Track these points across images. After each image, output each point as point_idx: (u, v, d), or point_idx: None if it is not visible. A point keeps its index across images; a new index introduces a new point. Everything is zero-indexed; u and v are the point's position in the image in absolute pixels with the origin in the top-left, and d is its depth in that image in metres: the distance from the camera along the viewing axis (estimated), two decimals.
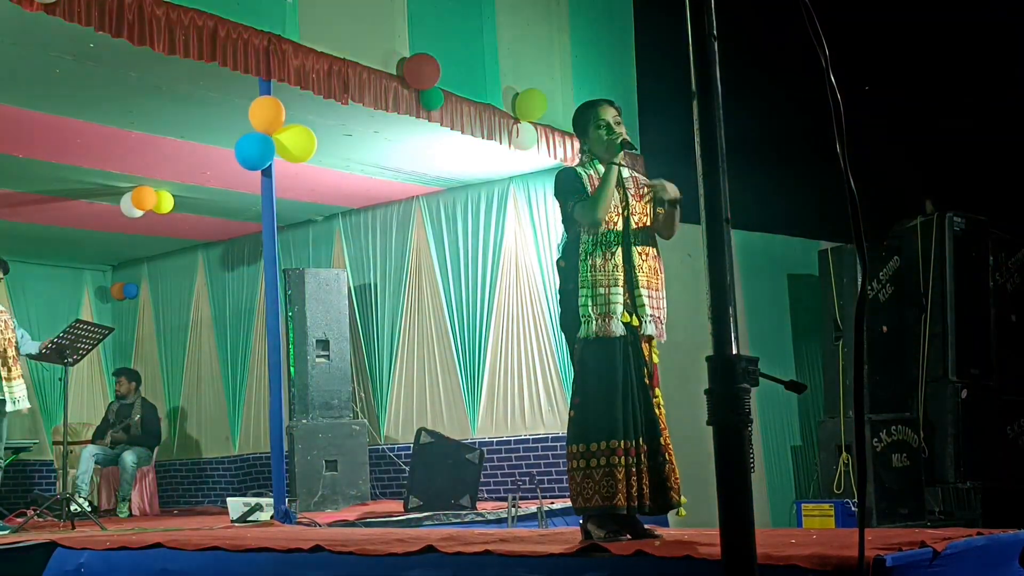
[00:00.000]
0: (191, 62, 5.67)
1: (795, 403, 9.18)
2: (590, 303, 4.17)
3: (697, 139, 2.02)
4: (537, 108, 7.36)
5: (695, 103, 2.03)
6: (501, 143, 7.28)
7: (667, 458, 4.17)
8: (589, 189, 4.28)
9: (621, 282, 4.20)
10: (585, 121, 4.46)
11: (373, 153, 7.87)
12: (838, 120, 2.09)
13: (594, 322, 4.14)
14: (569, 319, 4.25)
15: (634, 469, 4.08)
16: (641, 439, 4.13)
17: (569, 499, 4.26)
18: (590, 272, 4.19)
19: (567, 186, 4.35)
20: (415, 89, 6.64)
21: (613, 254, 4.22)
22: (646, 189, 4.42)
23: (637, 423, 4.14)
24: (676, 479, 4.18)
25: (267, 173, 6.45)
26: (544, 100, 7.38)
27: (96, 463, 9.20)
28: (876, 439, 8.04)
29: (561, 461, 8.11)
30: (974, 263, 8.64)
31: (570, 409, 4.26)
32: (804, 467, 9.20)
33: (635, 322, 4.21)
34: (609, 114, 4.43)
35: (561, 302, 4.34)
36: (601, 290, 4.17)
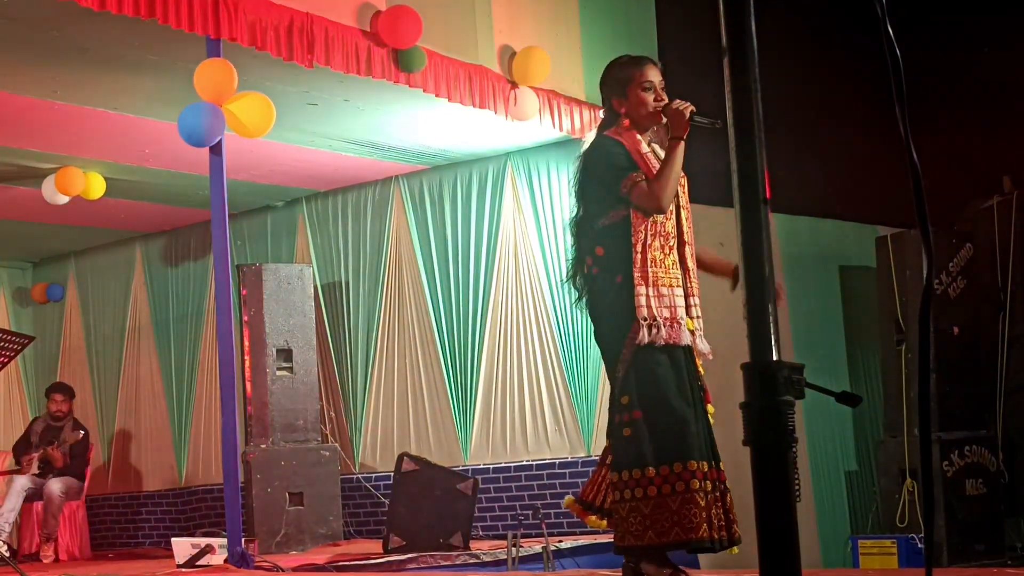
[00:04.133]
0: (125, 19, 5.66)
1: (849, 419, 9.18)
2: (655, 303, 4.15)
3: (729, 105, 2.02)
4: (539, 70, 7.36)
5: (726, 61, 2.03)
6: (496, 112, 7.28)
7: (727, 485, 4.22)
8: (641, 166, 4.27)
9: (681, 282, 4.23)
10: (624, 80, 4.41)
11: (343, 125, 7.88)
12: (897, 81, 2.08)
13: (662, 327, 4.14)
14: (618, 320, 4.22)
15: (712, 496, 4.11)
16: (713, 461, 4.17)
17: (620, 536, 4.20)
18: (650, 266, 4.18)
19: (615, 160, 4.29)
20: (392, 48, 6.64)
21: (672, 249, 4.24)
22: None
23: (708, 443, 4.17)
24: (735, 510, 4.22)
25: (216, 150, 6.45)
26: (547, 61, 7.38)
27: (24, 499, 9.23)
28: (946, 462, 8.05)
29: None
30: None
31: (621, 428, 4.20)
32: (861, 495, 9.21)
33: (692, 326, 4.25)
34: (656, 77, 4.41)
35: (599, 299, 4.30)
36: (665, 290, 4.18)
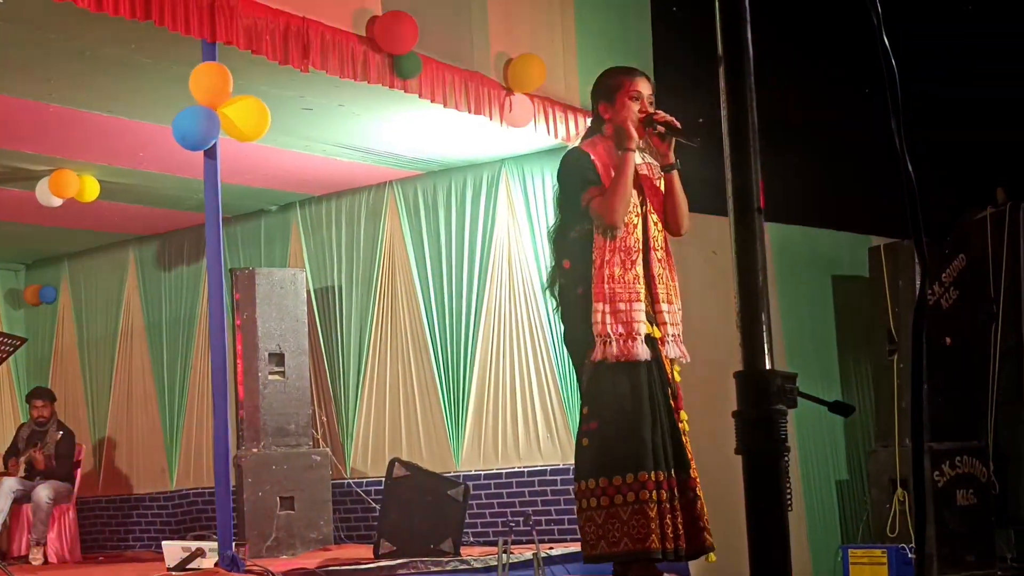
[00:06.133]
0: (121, 21, 5.65)
1: (841, 428, 9.18)
2: (610, 320, 4.20)
3: (724, 114, 2.02)
4: (534, 77, 7.36)
5: (722, 70, 2.03)
6: (491, 118, 7.28)
7: (697, 493, 4.23)
8: (602, 177, 4.31)
9: (643, 296, 4.25)
10: (614, 86, 4.49)
11: (338, 130, 7.87)
12: (892, 91, 2.09)
13: (615, 343, 4.19)
14: (579, 332, 4.30)
15: (667, 505, 4.12)
16: (673, 470, 4.17)
17: (581, 545, 4.27)
18: (607, 283, 4.22)
19: (578, 173, 4.38)
20: (388, 54, 6.64)
21: (634, 263, 4.27)
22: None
23: (667, 452, 4.18)
24: (707, 518, 4.23)
25: (211, 154, 6.44)
26: (542, 68, 7.39)
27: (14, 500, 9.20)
28: (937, 472, 8.05)
29: (562, 498, 8.11)
30: None
31: (580, 437, 4.31)
32: (851, 505, 9.20)
33: (657, 333, 4.25)
34: (646, 89, 4.47)
35: (565, 310, 4.36)
36: (622, 306, 4.22)
